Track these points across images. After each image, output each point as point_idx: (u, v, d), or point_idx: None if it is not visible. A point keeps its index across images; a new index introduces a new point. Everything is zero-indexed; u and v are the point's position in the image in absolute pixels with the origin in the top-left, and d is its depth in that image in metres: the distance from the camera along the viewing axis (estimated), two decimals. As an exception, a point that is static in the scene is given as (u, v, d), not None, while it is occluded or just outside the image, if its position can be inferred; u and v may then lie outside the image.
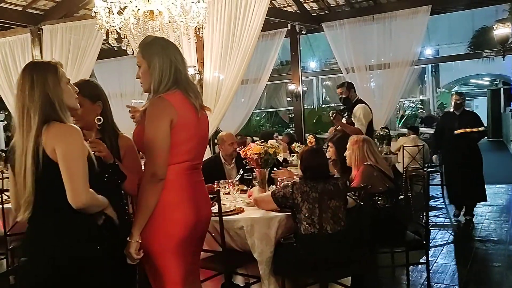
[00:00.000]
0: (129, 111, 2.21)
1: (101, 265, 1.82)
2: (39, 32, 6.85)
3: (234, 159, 4.22)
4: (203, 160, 2.18)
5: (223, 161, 4.25)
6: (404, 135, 7.82)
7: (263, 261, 2.79)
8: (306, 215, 2.74)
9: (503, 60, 7.68)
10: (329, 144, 4.03)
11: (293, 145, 6.14)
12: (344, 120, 5.15)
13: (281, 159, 4.77)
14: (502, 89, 18.74)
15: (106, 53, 7.96)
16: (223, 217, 2.80)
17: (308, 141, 6.99)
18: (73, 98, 1.88)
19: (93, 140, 2.03)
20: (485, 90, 20.03)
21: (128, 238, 1.89)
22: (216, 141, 4.58)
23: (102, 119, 2.13)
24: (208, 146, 5.59)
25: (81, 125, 2.12)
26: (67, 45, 6.58)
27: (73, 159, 1.71)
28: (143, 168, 2.04)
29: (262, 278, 2.82)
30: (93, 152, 1.96)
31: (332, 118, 5.16)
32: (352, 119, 5.09)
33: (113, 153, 2.10)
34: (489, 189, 7.62)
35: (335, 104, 13.48)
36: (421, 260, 3.92)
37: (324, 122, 12.75)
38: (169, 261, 1.91)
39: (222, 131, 4.71)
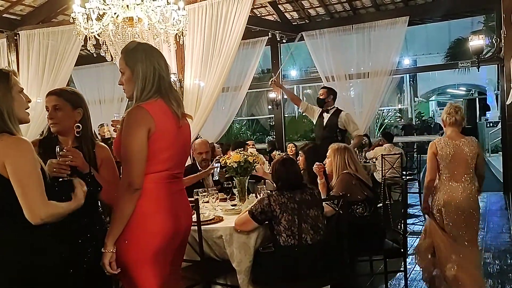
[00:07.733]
0: (111, 125, 2.20)
1: (64, 273, 1.79)
2: (15, 38, 6.70)
3: None
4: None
5: (199, 169, 4.19)
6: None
7: (242, 270, 2.77)
8: (286, 226, 2.73)
9: (478, 71, 7.85)
10: (299, 152, 4.06)
11: (274, 153, 6.16)
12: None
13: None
14: (477, 98, 19.23)
15: (85, 59, 7.86)
16: (202, 226, 2.77)
17: (288, 149, 7.00)
18: (24, 109, 1.77)
19: (69, 148, 2.00)
20: (461, 99, 20.49)
21: (102, 249, 1.84)
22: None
23: (81, 126, 2.11)
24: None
25: (58, 129, 2.11)
26: (44, 51, 6.45)
27: (26, 174, 1.60)
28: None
29: (241, 287, 2.80)
30: (68, 162, 1.94)
31: (270, 84, 6.47)
32: (346, 127, 5.33)
33: (90, 162, 2.09)
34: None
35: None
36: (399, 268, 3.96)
37: (304, 130, 12.82)
38: (146, 272, 1.87)
39: (198, 139, 4.68)
